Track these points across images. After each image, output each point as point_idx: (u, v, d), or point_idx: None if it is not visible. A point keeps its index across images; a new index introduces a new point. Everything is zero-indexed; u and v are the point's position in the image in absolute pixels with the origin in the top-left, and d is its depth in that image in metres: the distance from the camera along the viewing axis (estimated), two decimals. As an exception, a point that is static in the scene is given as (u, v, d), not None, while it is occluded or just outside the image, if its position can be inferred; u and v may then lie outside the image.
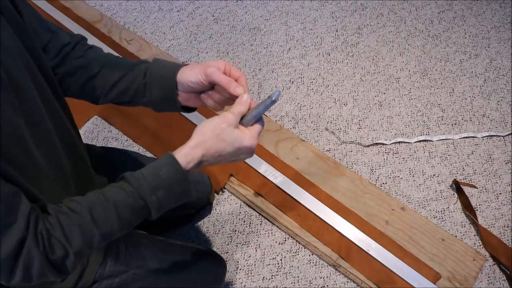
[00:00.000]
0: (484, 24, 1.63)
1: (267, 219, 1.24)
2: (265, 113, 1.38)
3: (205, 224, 1.25)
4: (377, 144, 1.37)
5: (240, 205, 1.27)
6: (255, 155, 1.22)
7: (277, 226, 1.23)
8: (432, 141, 1.37)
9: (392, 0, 1.71)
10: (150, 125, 1.38)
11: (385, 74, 1.52)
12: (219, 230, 1.24)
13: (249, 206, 1.26)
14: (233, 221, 1.25)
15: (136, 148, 1.38)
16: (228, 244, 1.22)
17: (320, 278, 1.16)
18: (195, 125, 0.68)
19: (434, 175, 1.30)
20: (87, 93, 0.77)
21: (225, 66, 0.70)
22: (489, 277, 1.15)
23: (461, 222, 1.23)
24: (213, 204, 1.28)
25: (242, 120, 0.67)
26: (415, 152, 1.35)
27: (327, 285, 1.15)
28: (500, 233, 1.21)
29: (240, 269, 1.18)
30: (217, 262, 1.01)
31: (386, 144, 1.37)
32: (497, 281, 1.14)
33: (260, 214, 1.25)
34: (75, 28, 1.59)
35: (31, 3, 1.54)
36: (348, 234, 1.16)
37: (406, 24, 1.64)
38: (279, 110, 1.45)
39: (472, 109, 1.43)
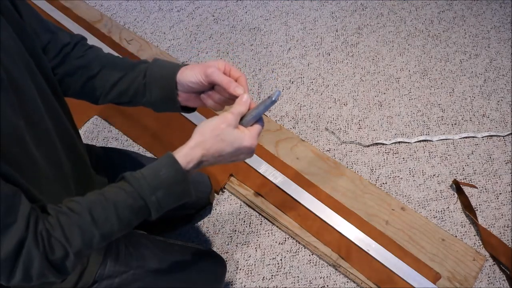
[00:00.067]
0: (484, 24, 1.63)
1: (267, 219, 1.24)
2: (265, 113, 1.38)
3: (205, 224, 1.25)
4: (377, 144, 1.37)
5: (240, 205, 1.27)
6: (255, 155, 1.22)
7: (277, 226, 1.23)
8: (432, 141, 1.37)
9: (392, 0, 1.71)
10: (150, 125, 1.38)
11: (385, 74, 1.52)
12: (219, 230, 1.24)
13: (249, 206, 1.26)
14: (233, 221, 1.25)
15: (136, 148, 1.38)
16: (228, 244, 1.22)
17: (320, 278, 1.16)
18: (195, 125, 0.68)
19: (434, 175, 1.30)
20: (87, 93, 0.77)
21: (225, 66, 0.70)
22: (489, 277, 1.15)
23: (461, 222, 1.23)
24: (213, 204, 1.28)
25: (242, 120, 0.67)
26: (415, 152, 1.35)
27: (327, 285, 1.15)
28: (500, 233, 1.21)
29: (240, 269, 1.18)
30: (217, 262, 1.01)
31: (386, 144, 1.37)
32: (497, 281, 1.14)
33: (260, 214, 1.25)
34: (75, 28, 1.59)
35: (31, 3, 1.55)
36: (348, 234, 1.16)
37: (406, 24, 1.64)
38: (279, 110, 1.45)
39: (472, 109, 1.43)
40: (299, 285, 1.15)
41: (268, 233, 1.23)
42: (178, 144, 0.64)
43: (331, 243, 1.16)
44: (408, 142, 1.37)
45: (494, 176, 1.30)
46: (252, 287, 1.16)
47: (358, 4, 1.71)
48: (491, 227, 1.22)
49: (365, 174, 1.31)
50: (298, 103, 1.47)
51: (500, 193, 1.27)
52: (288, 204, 1.22)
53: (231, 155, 0.65)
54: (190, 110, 0.77)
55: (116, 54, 0.95)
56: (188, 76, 0.70)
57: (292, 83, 1.52)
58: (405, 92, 1.47)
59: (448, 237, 1.17)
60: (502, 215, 1.23)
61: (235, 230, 1.24)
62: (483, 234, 1.19)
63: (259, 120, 0.68)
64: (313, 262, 1.18)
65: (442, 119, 1.41)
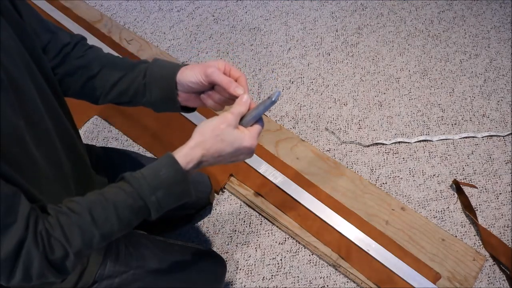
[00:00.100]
0: (484, 24, 1.63)
1: (267, 219, 1.24)
2: (265, 113, 1.38)
3: (205, 224, 1.25)
4: (377, 144, 1.37)
5: (240, 205, 1.27)
6: (255, 155, 1.23)
7: (277, 226, 1.23)
8: (432, 141, 1.37)
9: (392, 0, 1.71)
10: (150, 125, 1.38)
11: (385, 74, 1.52)
12: (219, 230, 1.24)
13: (249, 206, 1.26)
14: (233, 221, 1.25)
15: (136, 148, 1.38)
16: (228, 244, 1.22)
17: (320, 278, 1.16)
18: (195, 125, 0.68)
19: (434, 175, 1.30)
20: (87, 93, 0.77)
21: (225, 66, 0.70)
22: (489, 277, 1.15)
23: (461, 222, 1.23)
24: (213, 204, 1.28)
25: (242, 121, 0.67)
26: (415, 152, 1.35)
27: (327, 285, 1.15)
28: (500, 233, 1.21)
29: (240, 269, 1.18)
30: (217, 262, 1.01)
31: (386, 144, 1.37)
32: (497, 281, 1.14)
33: (260, 214, 1.25)
34: (75, 28, 1.59)
35: (31, 3, 1.55)
36: (348, 234, 1.16)
37: (406, 24, 1.64)
38: (279, 110, 1.45)
39: (472, 109, 1.43)
40: (299, 285, 1.15)
41: (268, 233, 1.23)
42: (178, 144, 0.64)
43: (331, 243, 1.16)
44: (408, 142, 1.37)
45: (494, 176, 1.30)
46: (252, 287, 1.16)
47: (358, 4, 1.71)
48: (491, 227, 1.22)
49: (365, 174, 1.31)
50: (298, 103, 1.47)
51: (500, 193, 1.27)
52: (288, 204, 1.22)
53: (231, 155, 0.65)
54: (190, 110, 0.77)
55: (116, 54, 0.95)
56: (188, 76, 0.70)
57: (292, 83, 1.52)
58: (405, 92, 1.47)
59: (448, 237, 1.17)
60: (502, 215, 1.23)
61: (235, 230, 1.24)
62: (483, 234, 1.19)
63: (259, 120, 0.68)
64: (313, 262, 1.18)
65: (442, 119, 1.41)
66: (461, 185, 1.26)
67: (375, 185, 1.27)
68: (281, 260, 1.19)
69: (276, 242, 1.21)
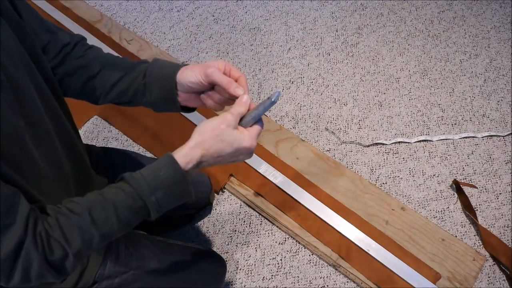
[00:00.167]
0: (484, 24, 1.63)
1: (267, 219, 1.24)
2: (265, 113, 1.38)
3: (205, 224, 1.25)
4: (377, 144, 1.37)
5: (240, 205, 1.27)
6: (255, 155, 1.23)
7: (277, 226, 1.23)
8: (432, 141, 1.37)
9: (392, 0, 1.71)
10: (150, 125, 1.38)
11: (385, 74, 1.52)
12: (219, 230, 1.24)
13: (249, 206, 1.26)
14: (233, 221, 1.25)
15: (136, 148, 1.38)
16: (228, 244, 1.22)
17: (320, 278, 1.16)
18: (195, 125, 0.68)
19: (434, 175, 1.30)
20: (87, 93, 0.77)
21: (225, 66, 0.70)
22: (489, 277, 1.15)
23: (461, 222, 1.23)
24: (213, 204, 1.28)
25: (242, 121, 0.67)
26: (415, 152, 1.35)
27: (327, 285, 1.15)
28: (500, 233, 1.21)
29: (240, 269, 1.18)
30: (217, 262, 1.01)
31: (386, 144, 1.36)
32: (497, 281, 1.14)
33: (260, 214, 1.25)
34: (75, 28, 1.59)
35: (31, 3, 1.55)
36: (348, 234, 1.16)
37: (406, 24, 1.64)
38: (279, 110, 1.45)
39: (472, 109, 1.43)
40: (299, 285, 1.15)
41: (268, 233, 1.23)
42: (178, 144, 0.64)
43: (331, 243, 1.16)
44: (408, 142, 1.37)
45: (494, 176, 1.30)
46: (252, 287, 1.16)
47: (358, 4, 1.71)
48: (491, 227, 1.22)
49: (365, 174, 1.31)
50: (298, 103, 1.47)
51: (500, 193, 1.27)
52: (288, 204, 1.22)
53: (230, 155, 0.65)
54: (190, 110, 0.77)
55: (116, 54, 0.95)
56: (188, 76, 0.70)
57: (292, 83, 1.52)
58: (405, 92, 1.47)
59: (448, 237, 1.17)
60: (502, 215, 1.23)
61: (235, 230, 1.24)
62: (483, 234, 1.19)
63: (258, 121, 0.68)
64: (313, 262, 1.18)
65: (442, 119, 1.41)
66: (461, 185, 1.26)
67: (375, 185, 1.27)
68: (281, 260, 1.19)
69: (276, 242, 1.21)
